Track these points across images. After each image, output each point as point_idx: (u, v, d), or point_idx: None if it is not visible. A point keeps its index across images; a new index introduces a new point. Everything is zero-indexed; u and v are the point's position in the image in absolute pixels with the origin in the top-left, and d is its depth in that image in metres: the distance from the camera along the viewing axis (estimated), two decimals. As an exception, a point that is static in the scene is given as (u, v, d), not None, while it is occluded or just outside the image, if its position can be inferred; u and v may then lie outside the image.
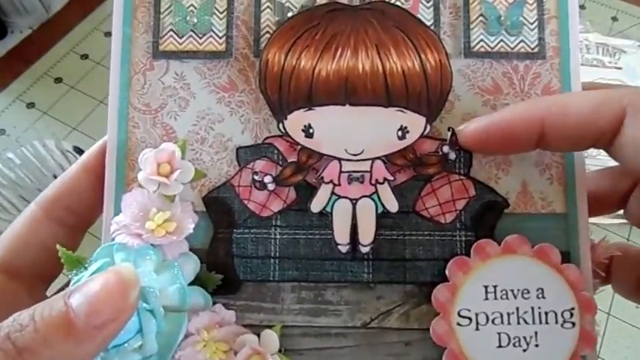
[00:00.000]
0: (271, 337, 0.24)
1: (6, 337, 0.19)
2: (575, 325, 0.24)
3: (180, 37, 0.26)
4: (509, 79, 0.26)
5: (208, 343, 0.24)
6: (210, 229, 0.25)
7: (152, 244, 0.24)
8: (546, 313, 0.24)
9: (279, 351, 0.24)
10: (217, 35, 0.26)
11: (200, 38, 0.26)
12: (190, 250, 0.25)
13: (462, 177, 0.25)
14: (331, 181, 0.25)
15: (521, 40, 0.26)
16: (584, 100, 0.23)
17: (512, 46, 0.26)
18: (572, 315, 0.24)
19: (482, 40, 0.26)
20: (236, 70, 0.26)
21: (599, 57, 0.71)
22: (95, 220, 0.26)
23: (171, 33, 0.26)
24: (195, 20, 0.26)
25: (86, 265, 0.24)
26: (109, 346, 0.22)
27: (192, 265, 0.24)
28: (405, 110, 0.25)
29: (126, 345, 0.22)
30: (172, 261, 0.24)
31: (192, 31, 0.26)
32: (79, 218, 0.25)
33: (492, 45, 0.26)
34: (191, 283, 0.24)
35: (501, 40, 0.26)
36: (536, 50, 0.26)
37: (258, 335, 0.24)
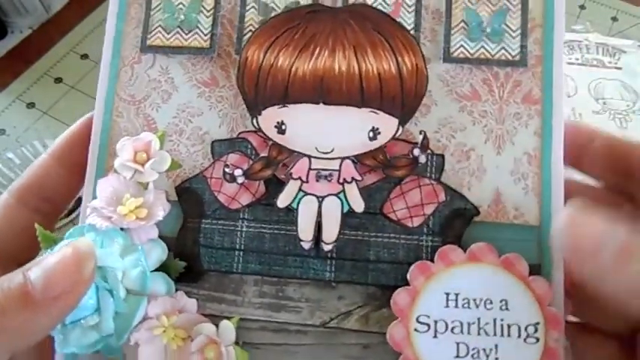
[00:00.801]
0: (228, 329, 0.24)
1: None
2: (539, 341, 0.23)
3: (168, 33, 0.27)
4: (488, 86, 0.26)
5: (168, 329, 0.24)
6: (180, 218, 0.26)
7: (121, 228, 0.25)
8: (509, 326, 0.23)
9: (236, 343, 0.24)
10: (202, 32, 0.27)
11: (186, 34, 0.27)
12: (160, 237, 0.25)
13: (432, 182, 0.25)
14: (299, 178, 0.25)
15: (502, 47, 0.26)
16: None
17: (492, 52, 0.26)
18: (536, 330, 0.23)
19: (462, 45, 0.26)
20: (218, 67, 0.27)
21: (599, 57, 0.69)
22: (67, 207, 0.27)
23: (159, 29, 0.27)
24: (183, 17, 0.27)
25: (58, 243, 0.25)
26: (66, 321, 0.22)
27: (159, 252, 0.25)
28: (378, 111, 0.25)
29: (82, 321, 0.22)
30: (137, 245, 0.24)
31: (179, 27, 0.27)
32: (50, 205, 0.26)
33: (472, 51, 0.26)
34: (158, 269, 0.25)
35: (482, 47, 0.26)
36: (517, 58, 0.26)
37: (217, 326, 0.24)
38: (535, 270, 0.24)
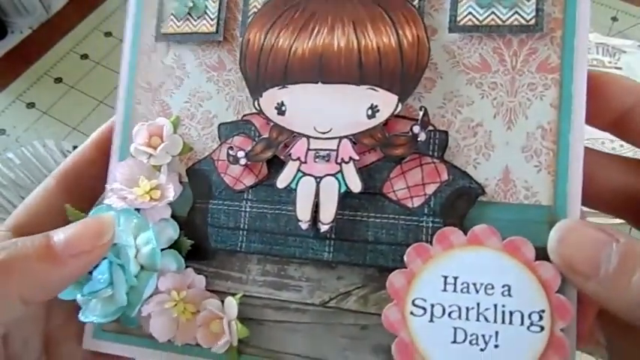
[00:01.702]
0: (231, 305, 0.25)
1: None
2: (543, 330, 0.21)
3: (179, 20, 0.28)
4: (499, 55, 0.24)
5: (178, 303, 0.26)
6: (191, 199, 0.27)
7: (136, 208, 0.26)
8: (511, 313, 0.22)
9: (239, 319, 0.25)
10: (210, 17, 0.28)
11: (195, 20, 0.28)
12: (173, 216, 0.27)
13: (435, 160, 0.24)
14: (298, 158, 0.25)
15: (516, 12, 0.24)
16: None
17: (504, 18, 0.24)
18: (541, 318, 0.21)
19: (470, 12, 0.24)
20: (225, 50, 0.27)
21: (599, 57, 0.69)
22: (103, 192, 0.29)
23: (172, 17, 0.29)
24: (192, 4, 0.28)
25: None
26: (84, 292, 0.25)
27: (170, 231, 0.26)
28: (377, 88, 0.24)
29: (98, 293, 0.24)
30: (149, 224, 0.26)
31: (188, 14, 0.28)
32: (87, 190, 0.28)
33: (482, 18, 0.24)
34: (170, 247, 0.26)
35: (492, 13, 0.24)
36: (532, 22, 0.23)
37: (222, 302, 0.25)
38: (541, 254, 0.22)
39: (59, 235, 0.23)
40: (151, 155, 0.27)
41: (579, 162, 0.23)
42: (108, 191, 0.27)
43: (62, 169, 0.29)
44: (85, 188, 0.28)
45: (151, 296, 0.25)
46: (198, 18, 0.28)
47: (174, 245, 0.27)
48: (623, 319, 0.20)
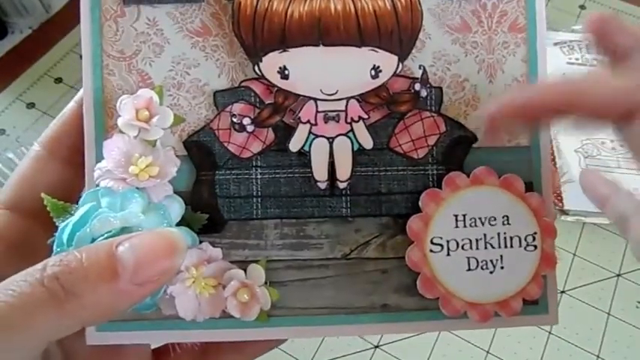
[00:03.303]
0: (257, 271, 0.25)
1: (54, 277, 0.19)
2: (537, 248, 0.26)
3: (151, -19, 0.26)
4: (477, 17, 0.27)
5: (197, 279, 0.25)
6: (192, 172, 0.26)
7: (137, 188, 0.25)
8: (511, 238, 0.26)
9: (265, 283, 0.25)
10: (188, -22, 0.26)
11: (170, -19, 0.26)
12: (174, 193, 0.26)
13: (433, 114, 0.26)
14: (308, 121, 0.26)
15: (489, -22, 0.27)
16: None
17: (479, -17, 0.27)
18: (534, 239, 0.26)
19: (450, -22, 0.27)
20: (208, 14, 0.26)
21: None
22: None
23: (140, -23, 0.26)
24: (165, -37, 0.26)
25: (72, 212, 0.25)
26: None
27: (177, 207, 0.25)
28: (378, 50, 0.26)
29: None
30: (159, 203, 0.25)
31: (162, -26, 0.26)
32: (82, 155, 0.26)
33: (461, -17, 0.27)
34: (177, 224, 0.25)
35: (469, -22, 0.27)
36: (502, -13, 0.27)
37: (245, 270, 0.25)
38: (528, 187, 0.26)
39: (127, 256, 0.20)
40: (140, 129, 0.25)
41: (547, 107, 0.27)
42: (96, 171, 0.25)
43: (48, 135, 0.25)
44: (76, 153, 0.26)
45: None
46: (174, -21, 0.26)
47: (182, 222, 0.25)
48: None
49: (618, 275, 0.61)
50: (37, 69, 0.74)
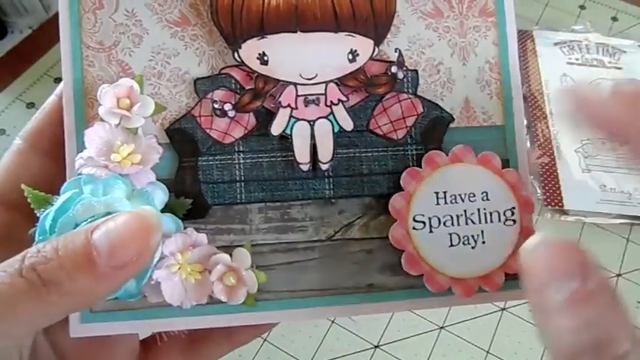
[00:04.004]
0: (243, 254, 0.25)
1: (31, 268, 0.19)
2: (515, 223, 0.27)
3: (129, -27, 0.26)
4: (448, 3, 0.28)
5: (183, 265, 0.25)
6: (175, 159, 0.26)
7: (120, 175, 0.25)
8: (490, 214, 0.26)
9: (251, 267, 0.25)
10: (166, -31, 0.27)
11: (148, -27, 0.26)
12: (157, 181, 0.26)
13: (410, 96, 0.27)
14: (289, 105, 0.26)
15: (458, -35, 0.28)
16: None
17: (449, -30, 0.28)
18: (513, 213, 0.27)
19: (422, -34, 0.28)
20: (187, 5, 0.27)
21: (599, 57, 0.70)
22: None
23: (118, -31, 0.26)
24: (143, -45, 0.26)
25: (53, 203, 0.24)
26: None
27: (161, 194, 0.25)
28: (354, 35, 0.26)
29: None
30: (142, 189, 0.25)
31: (139, -34, 0.26)
32: (64, 148, 0.25)
33: (431, -30, 0.28)
34: (161, 211, 0.25)
35: (439, -34, 0.28)
36: (470, -27, 0.28)
37: (230, 255, 0.25)
38: (505, 164, 0.27)
39: (101, 241, 0.19)
40: (122, 118, 0.25)
41: (519, 88, 0.28)
42: (77, 160, 0.25)
43: (30, 129, 0.25)
44: (57, 146, 0.26)
45: (158, 261, 0.24)
46: (152, -30, 0.27)
47: (165, 208, 0.25)
48: None
49: (618, 275, 0.61)
50: (37, 69, 0.74)
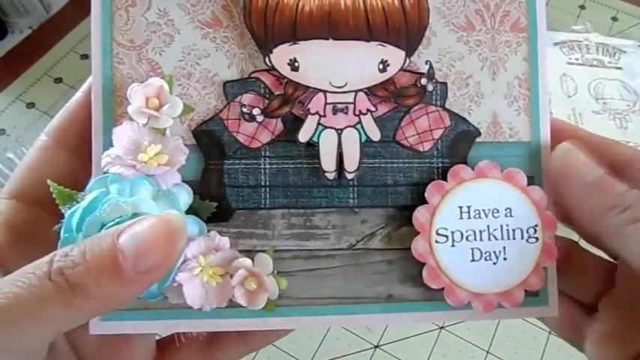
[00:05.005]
0: (265, 260, 0.25)
1: (59, 272, 0.19)
2: (538, 240, 0.27)
3: (163, -28, 0.26)
4: (481, 17, 0.28)
5: (205, 268, 0.25)
6: (201, 161, 0.26)
7: (146, 175, 0.25)
8: (513, 230, 0.26)
9: (272, 272, 0.25)
10: (200, -30, 0.26)
11: (183, -27, 0.26)
12: (183, 182, 0.26)
13: (438, 108, 0.27)
14: (317, 113, 0.26)
15: (492, -21, 0.28)
16: None
17: (483, -16, 0.28)
18: (535, 231, 0.27)
19: (455, -22, 0.27)
20: (219, 6, 0.27)
21: (599, 57, 0.70)
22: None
23: (153, -33, 0.26)
24: (178, -46, 0.26)
25: (78, 199, 0.24)
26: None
27: (185, 195, 0.25)
28: (386, 44, 0.26)
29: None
30: (168, 190, 0.25)
31: (174, -35, 0.26)
32: (89, 145, 0.26)
33: (465, -17, 0.27)
34: (186, 213, 0.25)
35: (473, -21, 0.28)
36: (504, -12, 0.28)
37: (252, 259, 0.26)
38: (530, 181, 0.27)
39: (127, 245, 0.20)
40: (150, 117, 0.25)
41: (547, 105, 0.28)
42: (105, 158, 0.25)
43: (55, 125, 0.25)
44: (82, 143, 0.26)
45: (181, 264, 0.24)
46: (186, -30, 0.26)
47: (190, 210, 0.25)
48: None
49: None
50: (37, 69, 0.75)
